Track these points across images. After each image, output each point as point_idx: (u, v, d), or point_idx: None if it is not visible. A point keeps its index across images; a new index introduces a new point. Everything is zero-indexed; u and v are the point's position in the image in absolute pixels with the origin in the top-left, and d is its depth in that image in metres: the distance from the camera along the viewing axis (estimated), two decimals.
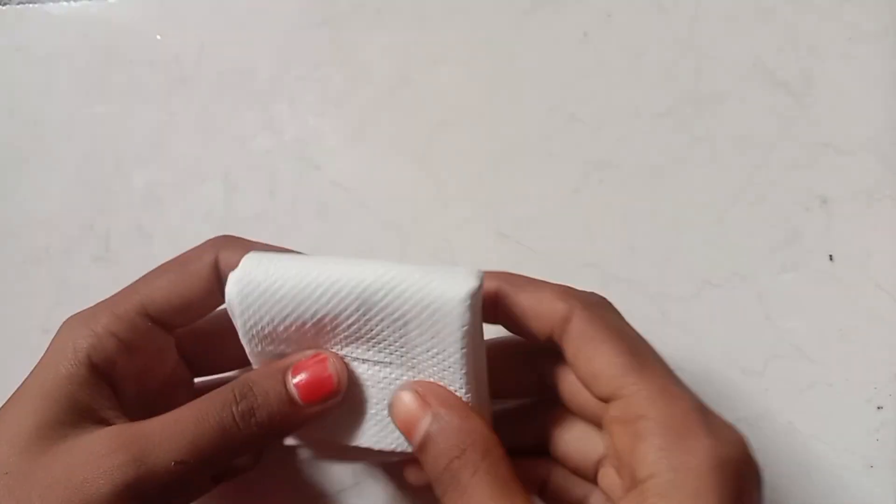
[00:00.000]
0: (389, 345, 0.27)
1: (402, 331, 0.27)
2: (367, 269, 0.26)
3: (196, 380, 0.32)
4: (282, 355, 0.28)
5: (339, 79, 0.38)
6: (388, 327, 0.27)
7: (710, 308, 0.35)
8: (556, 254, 0.36)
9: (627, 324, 0.27)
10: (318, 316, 0.27)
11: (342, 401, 0.28)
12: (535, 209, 0.36)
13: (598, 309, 0.27)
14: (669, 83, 0.36)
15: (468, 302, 0.26)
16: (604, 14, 0.37)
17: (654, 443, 0.23)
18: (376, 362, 0.28)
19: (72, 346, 0.27)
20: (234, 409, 0.26)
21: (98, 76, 0.39)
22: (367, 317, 0.27)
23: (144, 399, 0.28)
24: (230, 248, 0.28)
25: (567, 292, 0.27)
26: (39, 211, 0.38)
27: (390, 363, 0.28)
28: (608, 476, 0.28)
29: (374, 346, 0.27)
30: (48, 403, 0.25)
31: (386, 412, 0.28)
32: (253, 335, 0.27)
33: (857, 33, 0.36)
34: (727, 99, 0.36)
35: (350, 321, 0.27)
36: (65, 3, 0.39)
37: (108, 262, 0.37)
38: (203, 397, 0.26)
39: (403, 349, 0.27)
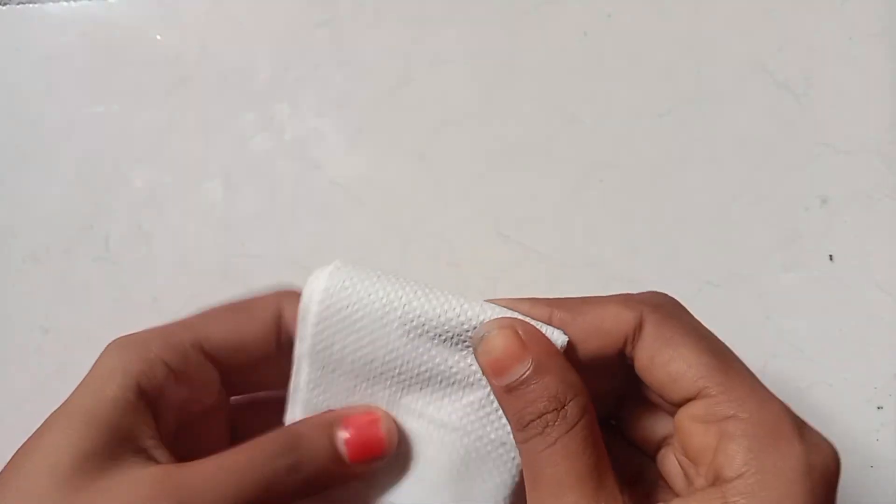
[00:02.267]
0: (454, 402, 0.26)
1: (472, 396, 0.26)
2: (462, 315, 0.25)
3: (232, 399, 0.31)
4: (338, 392, 0.27)
5: (339, 79, 0.38)
6: (461, 388, 0.26)
7: (710, 308, 0.35)
8: (556, 254, 0.36)
9: (701, 323, 0.27)
10: (392, 356, 0.26)
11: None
12: (535, 209, 0.36)
13: (669, 309, 0.26)
14: (669, 83, 0.36)
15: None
16: (604, 14, 0.37)
17: (744, 443, 0.23)
18: (433, 420, 0.27)
19: (121, 369, 0.26)
20: (280, 461, 0.25)
21: (98, 76, 0.38)
22: (443, 368, 0.26)
23: (181, 425, 0.28)
24: (292, 301, 0.28)
25: (630, 299, 0.26)
26: (39, 211, 0.38)
27: (446, 424, 0.26)
28: (668, 462, 0.27)
29: (437, 402, 0.26)
30: (90, 430, 0.24)
31: (432, 475, 0.27)
32: (317, 358, 0.26)
33: (857, 33, 0.36)
34: (727, 99, 0.36)
35: (422, 368, 0.26)
36: (65, 3, 0.39)
37: (108, 262, 0.37)
38: (248, 445, 0.25)
39: (469, 415, 0.26)
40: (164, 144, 0.38)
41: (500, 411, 0.25)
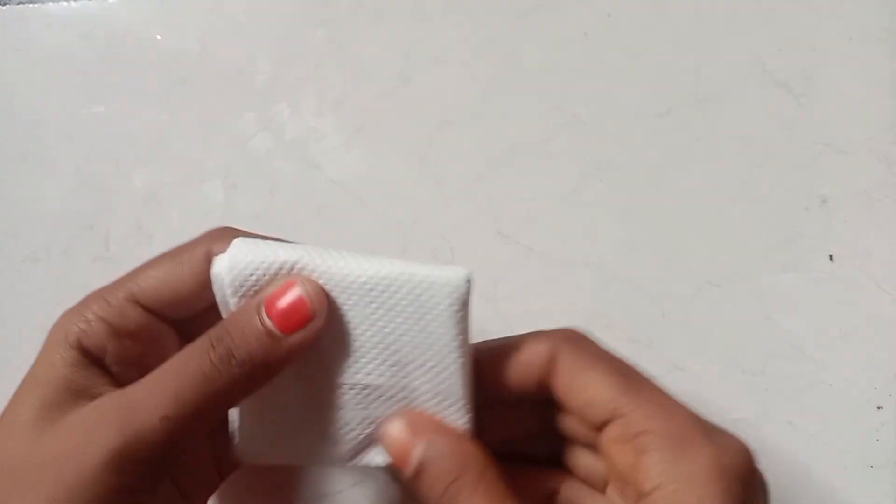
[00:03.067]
0: (381, 363, 0.27)
1: (394, 346, 0.27)
2: (355, 268, 0.26)
3: None
4: None
5: (339, 79, 0.38)
6: (379, 343, 0.27)
7: (710, 308, 0.35)
8: (556, 254, 0.36)
9: (608, 351, 0.28)
10: None
11: (328, 427, 0.27)
12: (535, 209, 0.36)
13: (580, 342, 0.28)
14: (669, 83, 0.36)
15: (461, 312, 0.26)
16: (604, 14, 0.37)
17: (657, 456, 0.24)
18: (366, 386, 0.27)
19: (63, 333, 0.27)
20: (211, 354, 0.25)
21: (98, 76, 0.39)
22: (358, 330, 0.26)
23: None
24: (224, 240, 0.28)
25: (543, 335, 0.28)
26: (39, 211, 0.38)
27: (380, 385, 0.27)
28: (612, 492, 0.28)
29: (365, 366, 0.27)
30: (44, 389, 0.26)
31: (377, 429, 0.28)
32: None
33: (857, 33, 0.36)
34: (727, 99, 0.36)
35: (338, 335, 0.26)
36: (65, 3, 0.39)
37: (108, 262, 0.37)
38: (183, 349, 0.26)
39: (395, 367, 0.27)
40: (164, 144, 0.38)
41: (431, 350, 0.26)
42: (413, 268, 0.26)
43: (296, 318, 0.26)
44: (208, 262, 0.28)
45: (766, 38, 0.36)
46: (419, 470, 0.26)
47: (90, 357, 0.27)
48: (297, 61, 0.38)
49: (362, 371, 0.27)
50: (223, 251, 0.27)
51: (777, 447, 0.34)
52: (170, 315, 0.29)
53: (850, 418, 0.34)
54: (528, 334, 0.28)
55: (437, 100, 0.37)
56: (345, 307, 0.26)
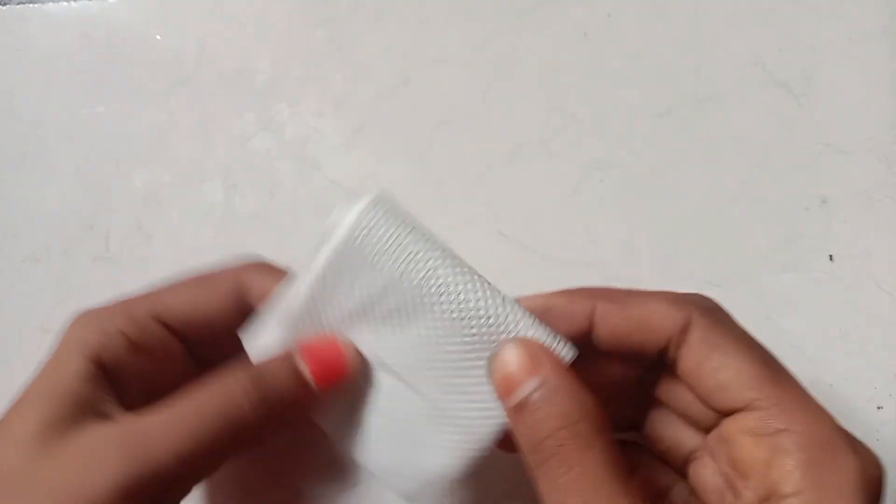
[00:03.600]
0: (430, 366, 0.26)
1: (458, 367, 0.26)
2: (481, 304, 0.25)
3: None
4: (314, 325, 0.27)
5: (339, 79, 0.38)
6: (448, 356, 0.26)
7: None
8: (556, 254, 0.36)
9: (748, 332, 0.26)
10: (393, 313, 0.26)
11: (357, 408, 0.27)
12: (535, 209, 0.36)
13: (717, 314, 0.26)
14: (669, 83, 0.36)
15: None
16: (604, 14, 0.37)
17: (801, 458, 0.23)
18: (402, 378, 0.27)
19: (81, 342, 0.26)
20: (239, 393, 0.25)
21: (98, 76, 0.39)
22: (440, 347, 0.26)
23: (150, 397, 0.28)
24: (256, 272, 0.28)
25: (679, 299, 0.26)
26: (39, 211, 0.38)
27: (418, 388, 0.26)
28: (702, 474, 0.26)
29: (411, 358, 0.26)
30: (52, 401, 0.25)
31: (392, 432, 0.27)
32: (317, 287, 0.26)
33: (857, 33, 0.36)
34: (727, 99, 0.36)
35: (418, 338, 0.26)
36: (65, 3, 0.39)
37: (108, 262, 0.37)
38: (205, 383, 0.25)
39: (442, 379, 0.26)
40: (164, 144, 0.38)
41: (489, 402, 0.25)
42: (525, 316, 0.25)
43: (332, 374, 0.26)
44: (238, 290, 0.28)
45: (766, 38, 0.36)
46: (526, 404, 0.23)
47: (105, 371, 0.26)
48: (297, 61, 0.38)
49: (410, 360, 0.26)
50: (253, 283, 0.27)
51: None
52: (190, 336, 0.28)
53: (850, 418, 0.34)
54: (660, 294, 0.26)
55: (437, 100, 0.37)
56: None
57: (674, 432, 0.28)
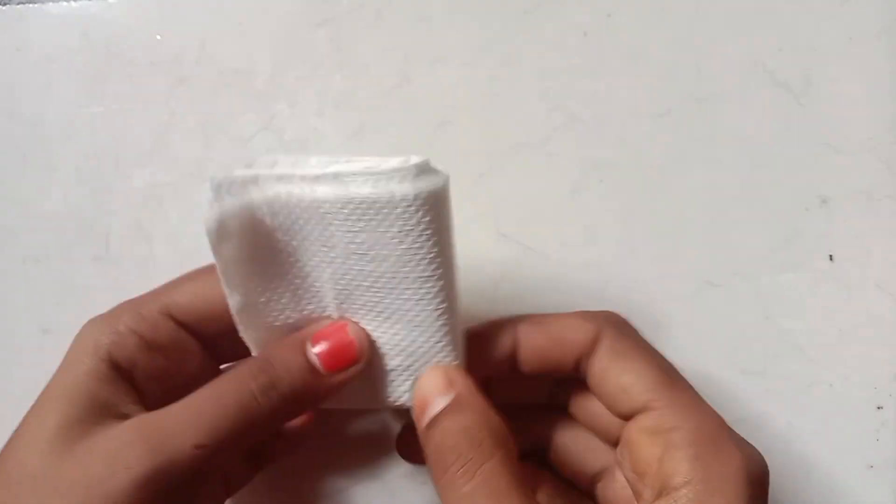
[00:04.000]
0: (365, 292, 0.26)
1: (369, 268, 0.26)
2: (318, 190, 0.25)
3: (222, 367, 0.31)
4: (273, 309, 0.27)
5: (339, 79, 0.38)
6: (359, 270, 0.26)
7: (710, 308, 0.35)
8: (556, 254, 0.36)
9: (649, 343, 0.28)
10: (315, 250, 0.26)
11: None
12: (535, 209, 0.36)
13: (624, 328, 0.28)
14: (669, 83, 0.36)
15: (413, 204, 0.24)
16: (604, 14, 0.37)
17: (690, 452, 0.24)
18: (366, 314, 0.27)
19: (93, 344, 0.27)
20: (252, 385, 0.25)
21: (98, 76, 0.38)
22: (344, 268, 0.26)
23: (168, 400, 0.28)
24: None
25: (590, 315, 0.28)
26: (39, 211, 0.38)
27: (374, 317, 0.27)
28: (611, 489, 0.28)
29: (357, 300, 0.27)
30: (69, 402, 0.25)
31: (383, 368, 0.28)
32: (236, 279, 0.26)
33: (857, 33, 0.36)
34: (727, 99, 0.36)
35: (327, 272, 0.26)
36: (65, 3, 0.39)
37: (108, 262, 0.37)
38: (220, 377, 0.26)
39: (378, 295, 0.26)
40: (164, 144, 0.38)
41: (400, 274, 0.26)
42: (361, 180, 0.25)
43: (343, 360, 0.27)
44: None
45: (766, 38, 0.36)
46: (433, 422, 0.25)
47: (119, 371, 0.27)
48: (297, 61, 0.38)
49: (358, 303, 0.27)
50: None
51: (777, 447, 0.34)
52: (202, 330, 0.28)
53: (850, 418, 0.34)
54: (575, 313, 0.28)
55: (437, 100, 0.37)
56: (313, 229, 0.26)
57: (583, 450, 0.30)
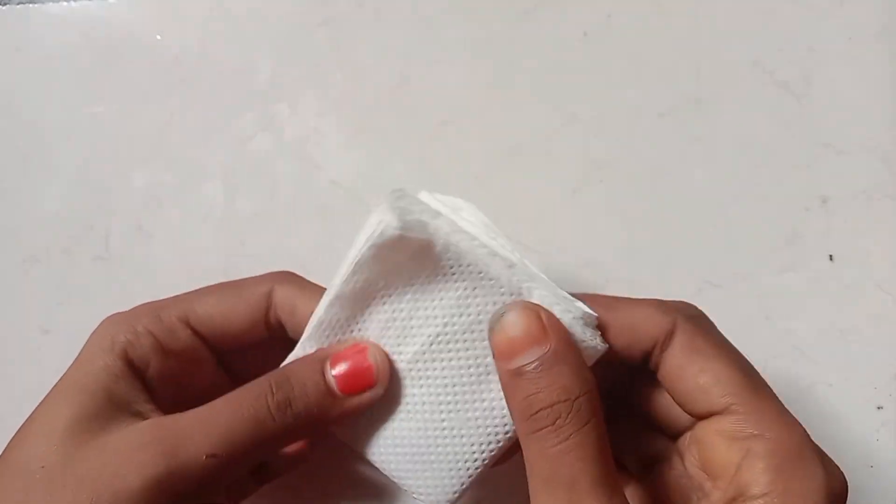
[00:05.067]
0: (443, 373, 0.26)
1: (466, 355, 0.26)
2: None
3: None
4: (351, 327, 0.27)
5: (339, 79, 0.38)
6: (455, 352, 0.26)
7: (710, 308, 0.35)
8: (556, 254, 0.36)
9: (729, 340, 0.27)
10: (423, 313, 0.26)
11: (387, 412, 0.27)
12: (535, 209, 0.36)
13: (701, 322, 0.26)
14: (669, 83, 0.36)
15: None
16: (604, 14, 0.37)
17: (772, 463, 0.24)
18: (420, 378, 0.27)
19: (110, 340, 0.27)
20: (269, 400, 0.25)
21: (98, 76, 0.39)
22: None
23: (178, 407, 0.28)
24: (287, 283, 0.28)
25: (665, 305, 0.26)
26: (39, 211, 0.38)
27: (431, 400, 0.27)
28: (667, 475, 0.27)
29: (430, 374, 0.27)
30: (84, 396, 0.26)
31: (408, 435, 0.27)
32: (359, 275, 0.26)
33: (857, 33, 0.36)
34: (727, 99, 0.36)
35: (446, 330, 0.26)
36: (65, 3, 0.39)
37: (108, 262, 0.37)
38: (238, 389, 0.26)
39: (450, 382, 0.26)
40: (164, 144, 0.38)
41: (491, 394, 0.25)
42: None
43: (359, 383, 0.26)
44: (267, 301, 0.28)
45: (766, 38, 0.36)
46: (529, 370, 0.23)
47: (133, 369, 0.27)
48: (297, 61, 0.38)
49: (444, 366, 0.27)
50: (285, 294, 0.28)
51: None
52: (217, 344, 0.29)
53: (850, 418, 0.34)
54: (649, 300, 0.26)
55: (437, 100, 0.37)
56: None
57: (639, 435, 0.29)
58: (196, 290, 0.29)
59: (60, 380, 0.27)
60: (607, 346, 0.25)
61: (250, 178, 0.37)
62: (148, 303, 0.29)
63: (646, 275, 0.35)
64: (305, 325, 0.28)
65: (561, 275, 0.36)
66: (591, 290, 0.34)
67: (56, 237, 0.38)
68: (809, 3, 0.36)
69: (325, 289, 0.28)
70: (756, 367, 0.35)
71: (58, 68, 0.39)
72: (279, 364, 0.28)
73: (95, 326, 0.29)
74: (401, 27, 0.38)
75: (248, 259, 0.36)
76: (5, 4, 0.39)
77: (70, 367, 0.27)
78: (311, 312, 0.27)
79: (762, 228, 0.35)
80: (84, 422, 0.25)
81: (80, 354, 0.27)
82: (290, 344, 0.28)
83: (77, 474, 0.24)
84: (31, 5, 0.39)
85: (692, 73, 0.36)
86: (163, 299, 0.29)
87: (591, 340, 0.25)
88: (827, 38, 0.36)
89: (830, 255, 0.35)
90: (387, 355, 0.27)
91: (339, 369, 0.26)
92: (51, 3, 0.39)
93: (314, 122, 0.38)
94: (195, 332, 0.28)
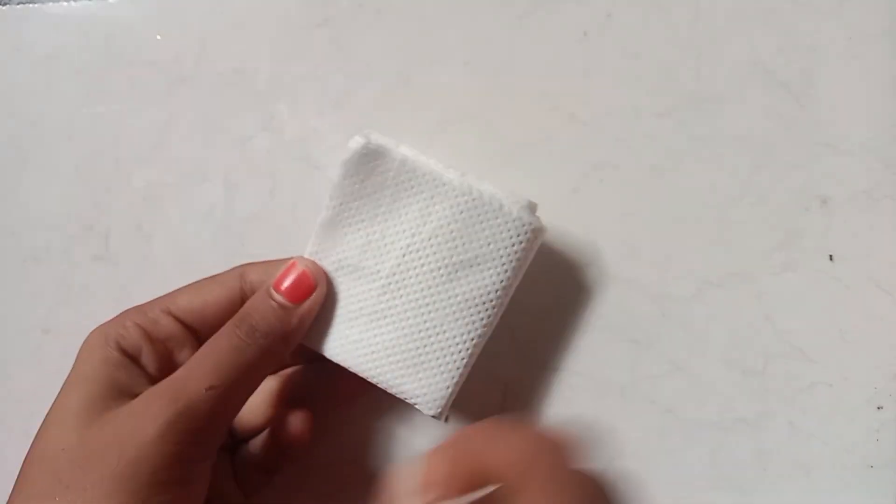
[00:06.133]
0: (424, 274, 0.31)
1: (443, 254, 0.31)
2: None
3: None
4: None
5: (339, 79, 0.38)
6: (433, 252, 0.31)
7: (710, 308, 0.35)
8: (556, 253, 0.36)
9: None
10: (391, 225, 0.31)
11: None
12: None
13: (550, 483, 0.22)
14: (669, 83, 0.36)
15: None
16: (604, 14, 0.37)
17: None
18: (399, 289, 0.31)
19: (102, 337, 0.30)
20: (238, 332, 0.29)
21: (98, 76, 0.39)
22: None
23: None
24: (257, 263, 0.32)
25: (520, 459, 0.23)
26: (39, 211, 0.38)
27: (416, 300, 0.31)
28: None
29: (413, 278, 0.31)
30: (90, 385, 0.29)
31: (392, 342, 0.31)
32: (338, 198, 0.31)
33: (857, 33, 0.36)
34: (727, 99, 0.36)
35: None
36: (65, 3, 0.39)
37: (108, 262, 0.37)
38: (212, 336, 0.30)
39: (434, 282, 0.31)
40: (164, 144, 0.38)
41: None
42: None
43: (301, 290, 0.31)
44: (240, 280, 0.31)
45: (766, 38, 0.36)
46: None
47: (129, 356, 0.30)
48: (297, 61, 0.38)
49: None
50: (255, 272, 0.32)
51: (777, 447, 0.34)
52: (198, 325, 0.31)
53: (850, 418, 0.34)
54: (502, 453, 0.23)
55: (437, 100, 0.37)
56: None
57: None
58: (176, 289, 0.32)
59: (65, 379, 0.29)
60: (546, 229, 0.31)
61: (250, 178, 0.37)
62: (133, 307, 0.31)
63: (646, 275, 0.35)
64: None
65: (561, 275, 0.36)
66: (591, 291, 0.34)
67: (56, 237, 0.38)
68: (809, 3, 0.36)
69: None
70: (756, 367, 0.35)
71: (58, 68, 0.39)
72: None
73: (95, 326, 0.30)
74: (401, 27, 0.38)
75: (248, 259, 0.36)
76: (5, 4, 0.39)
77: (71, 369, 0.29)
78: None
79: (762, 228, 0.35)
80: (93, 403, 0.28)
81: (77, 357, 0.30)
82: None
83: (99, 444, 0.27)
84: (31, 5, 0.39)
85: (692, 73, 0.36)
86: (146, 301, 0.31)
87: (536, 223, 0.30)
88: (827, 38, 0.36)
89: (830, 255, 0.35)
90: (314, 262, 0.32)
91: (283, 286, 0.31)
92: (51, 3, 0.39)
93: (314, 122, 0.38)
94: (177, 319, 0.31)
